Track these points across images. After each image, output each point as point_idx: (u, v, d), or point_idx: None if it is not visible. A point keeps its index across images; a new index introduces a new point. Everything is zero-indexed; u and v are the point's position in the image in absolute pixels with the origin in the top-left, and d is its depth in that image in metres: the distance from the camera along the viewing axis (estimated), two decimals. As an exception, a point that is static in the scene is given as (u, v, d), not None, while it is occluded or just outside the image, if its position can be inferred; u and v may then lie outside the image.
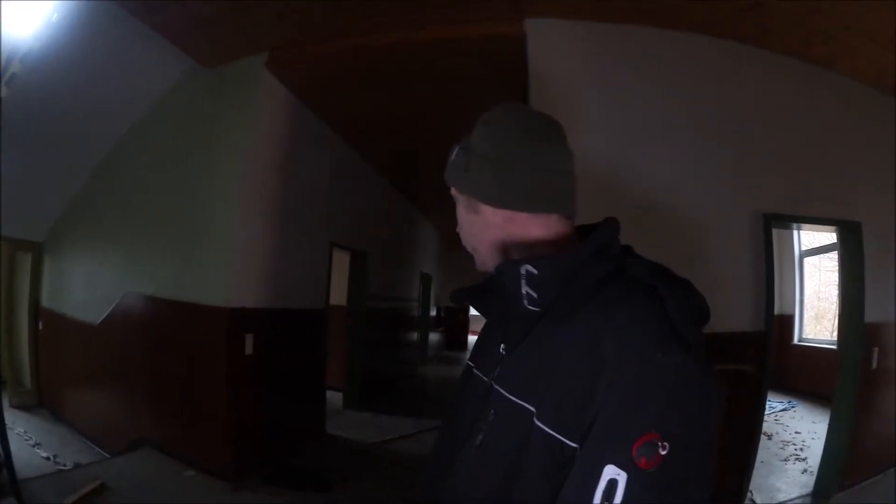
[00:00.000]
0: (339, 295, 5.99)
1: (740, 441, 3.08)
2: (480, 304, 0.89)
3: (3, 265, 5.20)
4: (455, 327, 14.12)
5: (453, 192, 0.87)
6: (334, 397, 6.03)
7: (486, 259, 0.85)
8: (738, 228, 3.16)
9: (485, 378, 0.82)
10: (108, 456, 4.04)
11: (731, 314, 3.03)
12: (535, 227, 0.80)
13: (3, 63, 2.91)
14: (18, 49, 2.97)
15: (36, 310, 5.36)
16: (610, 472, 0.58)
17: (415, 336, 10.15)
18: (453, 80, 3.94)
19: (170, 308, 3.81)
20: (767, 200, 3.18)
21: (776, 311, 3.37)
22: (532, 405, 0.68)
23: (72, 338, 4.85)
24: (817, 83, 3.29)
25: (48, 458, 4.02)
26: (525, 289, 0.75)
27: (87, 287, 4.70)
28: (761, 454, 3.35)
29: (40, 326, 5.33)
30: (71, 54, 3.38)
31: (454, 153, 0.85)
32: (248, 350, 3.66)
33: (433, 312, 12.53)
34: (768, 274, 3.14)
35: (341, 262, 6.00)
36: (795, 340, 6.94)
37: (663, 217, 3.04)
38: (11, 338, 5.36)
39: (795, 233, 6.75)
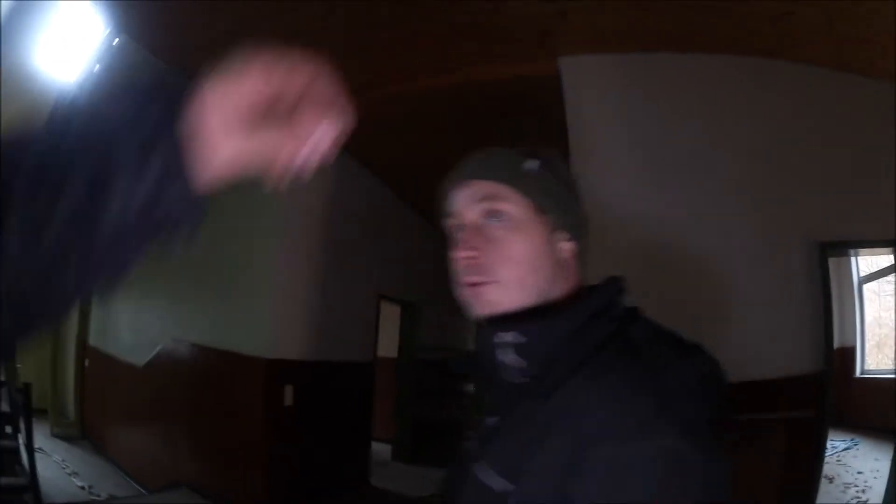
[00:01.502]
0: (390, 346, 6.00)
1: (798, 492, 2.86)
2: (476, 372, 0.79)
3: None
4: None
5: (509, 206, 0.72)
6: (383, 450, 5.97)
7: (526, 291, 0.70)
8: (789, 261, 2.95)
9: (470, 451, 0.74)
10: (144, 493, 4.08)
11: (785, 356, 2.84)
12: (574, 272, 0.75)
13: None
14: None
15: (83, 347, 5.52)
16: None
17: (469, 387, 9.93)
18: (489, 122, 3.88)
19: (210, 356, 3.87)
20: (819, 227, 2.95)
21: (836, 345, 3.13)
22: (512, 483, 0.61)
23: (117, 377, 4.96)
24: (856, 91, 2.98)
25: (83, 488, 4.09)
26: (506, 358, 0.67)
27: (133, 330, 4.82)
28: (823, 499, 3.12)
29: (86, 363, 5.47)
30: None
31: (528, 163, 0.73)
32: (288, 401, 3.65)
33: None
34: (826, 308, 2.92)
35: (392, 313, 5.98)
36: (857, 373, 6.54)
37: (704, 255, 2.84)
38: (57, 370, 5.56)
39: (853, 259, 6.39)
